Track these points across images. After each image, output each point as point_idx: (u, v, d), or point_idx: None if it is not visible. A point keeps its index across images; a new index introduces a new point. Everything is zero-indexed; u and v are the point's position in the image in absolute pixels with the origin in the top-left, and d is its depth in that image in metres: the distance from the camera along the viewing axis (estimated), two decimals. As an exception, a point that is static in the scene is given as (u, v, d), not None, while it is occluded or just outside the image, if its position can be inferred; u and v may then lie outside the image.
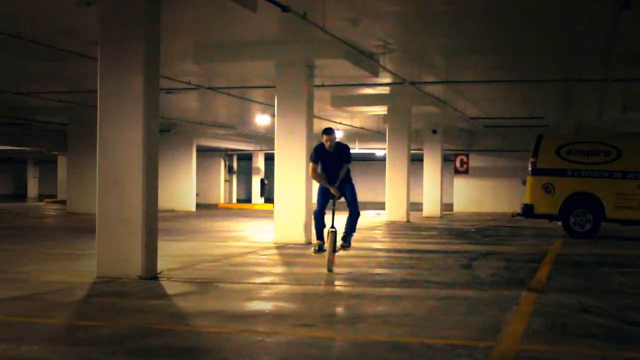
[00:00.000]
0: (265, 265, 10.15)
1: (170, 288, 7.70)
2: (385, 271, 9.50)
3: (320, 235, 9.32)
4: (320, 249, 9.30)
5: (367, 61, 13.33)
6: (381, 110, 21.29)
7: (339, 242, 9.37)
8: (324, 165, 9.23)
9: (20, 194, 45.14)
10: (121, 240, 8.25)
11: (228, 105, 21.95)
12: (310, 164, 9.30)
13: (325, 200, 9.23)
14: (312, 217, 9.51)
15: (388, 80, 16.36)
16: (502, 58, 13.95)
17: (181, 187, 28.30)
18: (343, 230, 9.37)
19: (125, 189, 8.27)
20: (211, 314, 6.32)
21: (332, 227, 9.15)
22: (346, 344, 5.32)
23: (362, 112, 22.67)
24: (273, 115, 17.18)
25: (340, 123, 24.57)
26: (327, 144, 9.09)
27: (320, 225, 9.31)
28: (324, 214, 9.29)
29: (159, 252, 8.61)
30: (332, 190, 9.09)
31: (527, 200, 16.05)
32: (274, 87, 13.77)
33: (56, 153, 35.56)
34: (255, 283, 8.30)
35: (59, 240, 13.95)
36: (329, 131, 9.24)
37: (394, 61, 14.11)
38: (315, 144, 9.98)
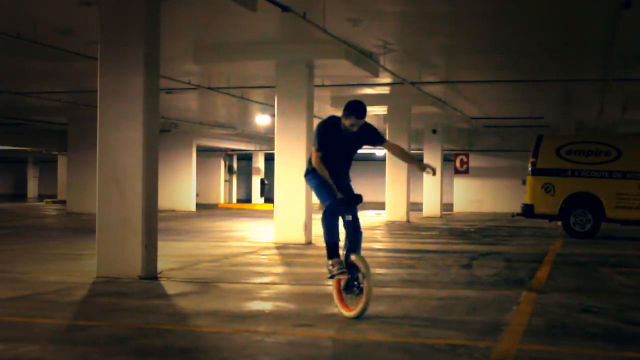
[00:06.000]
0: (265, 265, 10.15)
1: (170, 288, 7.70)
2: (385, 271, 9.49)
3: (335, 250, 6.10)
4: (342, 271, 6.01)
5: (367, 61, 13.33)
6: (381, 110, 21.29)
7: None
8: (329, 153, 6.18)
9: (20, 194, 45.13)
10: (121, 240, 8.25)
11: (228, 105, 21.95)
12: (314, 152, 6.21)
13: (334, 192, 6.09)
14: (322, 220, 6.17)
15: (388, 80, 16.35)
16: (502, 58, 13.95)
17: (181, 187, 28.30)
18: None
19: (125, 189, 8.27)
20: (211, 314, 6.32)
21: (350, 249, 6.12)
22: (346, 344, 5.32)
23: (362, 112, 22.63)
24: (273, 115, 17.20)
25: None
26: (352, 128, 6.16)
27: (335, 233, 6.09)
28: (339, 207, 6.07)
29: (159, 252, 8.61)
30: (337, 195, 6.07)
31: (527, 200, 16.05)
32: (274, 87, 13.78)
33: (56, 153, 35.58)
34: (255, 283, 8.30)
35: (59, 240, 13.95)
36: (360, 112, 6.14)
37: (394, 61, 14.11)
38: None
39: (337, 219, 6.12)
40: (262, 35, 12.26)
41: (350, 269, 6.06)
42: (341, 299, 6.19)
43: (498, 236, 16.21)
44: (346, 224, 6.16)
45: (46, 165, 43.07)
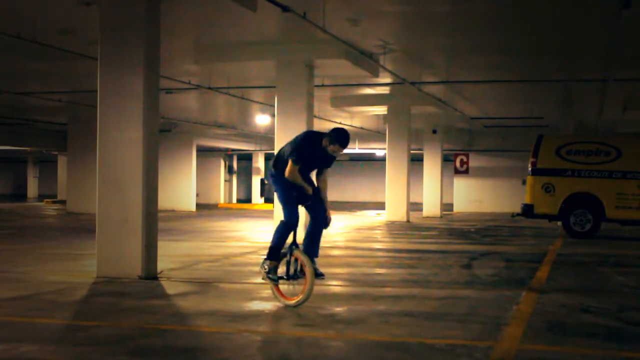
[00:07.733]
0: (265, 265, 10.14)
1: (170, 288, 7.70)
2: (385, 271, 9.50)
3: (276, 255, 6.75)
4: (276, 276, 6.68)
5: (367, 61, 13.32)
6: (381, 110, 21.29)
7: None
8: (304, 167, 6.73)
9: (20, 194, 45.12)
10: (121, 240, 8.25)
11: (228, 105, 21.94)
12: (290, 164, 6.59)
13: (296, 202, 6.77)
14: (276, 229, 6.81)
15: (388, 80, 16.35)
16: (502, 58, 13.94)
17: (181, 187, 28.29)
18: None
19: (125, 189, 8.27)
20: (211, 314, 6.32)
21: (295, 243, 6.75)
22: (346, 344, 5.32)
23: (362, 112, 22.65)
24: (273, 115, 17.20)
25: (340, 123, 24.57)
26: (333, 153, 6.65)
27: (282, 244, 6.75)
28: (297, 224, 6.75)
29: (159, 252, 8.61)
30: (309, 191, 6.75)
31: (527, 200, 16.04)
32: (274, 87, 13.77)
33: (56, 153, 35.57)
34: (255, 283, 8.29)
35: (59, 240, 13.95)
36: (346, 143, 6.61)
37: (394, 61, 14.10)
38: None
39: (289, 234, 6.71)
40: (262, 35, 12.25)
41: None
42: (280, 292, 6.71)
43: (498, 236, 16.21)
44: (311, 216, 6.87)
45: (46, 165, 43.05)
